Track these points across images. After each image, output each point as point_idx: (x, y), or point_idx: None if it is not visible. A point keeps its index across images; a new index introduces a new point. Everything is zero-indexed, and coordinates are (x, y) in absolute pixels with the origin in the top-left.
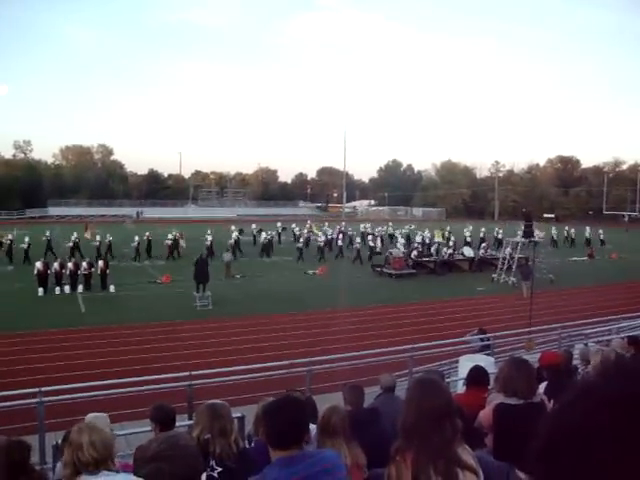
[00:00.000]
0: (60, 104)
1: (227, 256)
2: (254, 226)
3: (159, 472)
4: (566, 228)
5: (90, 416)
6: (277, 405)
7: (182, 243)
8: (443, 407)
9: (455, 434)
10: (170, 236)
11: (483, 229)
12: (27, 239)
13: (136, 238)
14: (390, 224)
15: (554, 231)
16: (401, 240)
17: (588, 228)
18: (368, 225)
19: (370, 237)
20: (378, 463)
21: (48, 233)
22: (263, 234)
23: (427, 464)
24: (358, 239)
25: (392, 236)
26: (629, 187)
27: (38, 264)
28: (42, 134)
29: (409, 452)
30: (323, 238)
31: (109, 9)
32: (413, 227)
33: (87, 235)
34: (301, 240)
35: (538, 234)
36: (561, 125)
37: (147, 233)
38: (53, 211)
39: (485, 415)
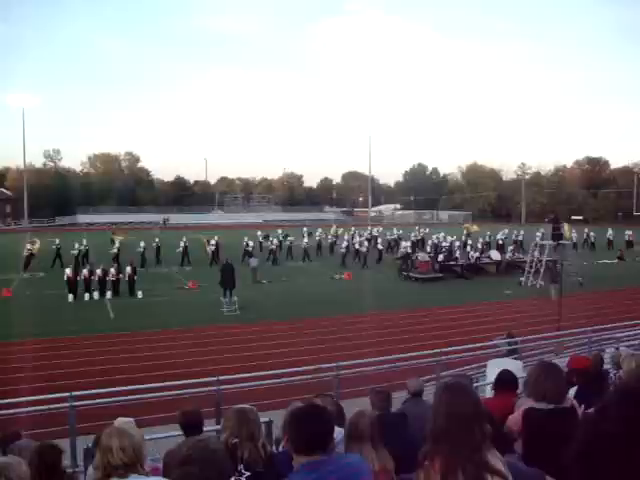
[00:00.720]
0: (88, 113)
1: (253, 261)
2: (280, 231)
3: (189, 476)
4: (585, 230)
5: (117, 421)
6: (302, 412)
7: (208, 249)
8: (472, 412)
9: (484, 439)
10: (212, 242)
11: (505, 231)
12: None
13: (181, 244)
14: (417, 228)
15: (575, 233)
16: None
17: (610, 230)
18: (399, 230)
19: (403, 242)
20: (406, 468)
21: (57, 241)
22: (289, 239)
23: (456, 469)
24: (380, 240)
25: (421, 241)
26: None
27: (68, 270)
28: (71, 143)
29: (437, 457)
30: (345, 244)
31: (136, 18)
32: (442, 234)
33: (118, 237)
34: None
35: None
36: (589, 126)
37: (184, 239)
38: (82, 218)
39: (514, 420)
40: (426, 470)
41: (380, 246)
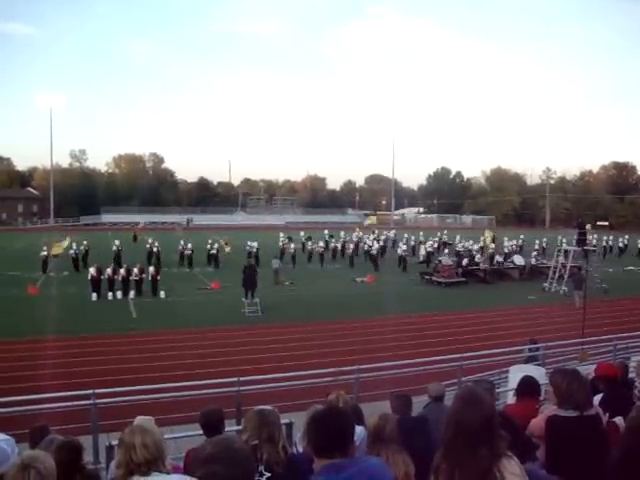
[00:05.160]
0: (114, 114)
1: (276, 263)
2: (302, 233)
3: (214, 474)
4: (604, 237)
5: (137, 420)
6: (322, 414)
7: (227, 249)
8: (481, 424)
9: (495, 452)
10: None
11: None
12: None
13: (215, 245)
14: (441, 232)
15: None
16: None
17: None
18: (421, 233)
19: (429, 244)
20: (426, 473)
21: (85, 242)
22: (310, 242)
23: None
24: (403, 246)
25: (447, 244)
26: None
27: (92, 270)
28: (97, 143)
29: (445, 468)
30: (376, 245)
31: (161, 20)
32: (470, 242)
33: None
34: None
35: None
36: (615, 130)
37: (209, 240)
38: (106, 218)
39: (537, 424)
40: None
41: (400, 251)
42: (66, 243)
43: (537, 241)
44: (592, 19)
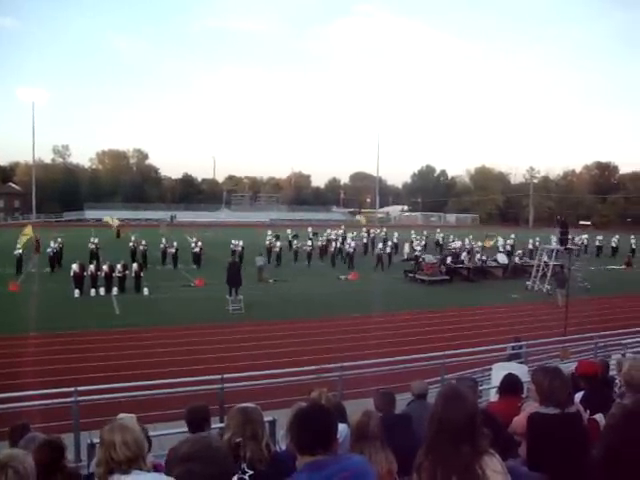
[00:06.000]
0: (97, 109)
1: (259, 260)
2: (289, 231)
3: (190, 473)
4: (583, 236)
5: (119, 417)
6: (305, 412)
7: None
8: (463, 422)
9: (477, 449)
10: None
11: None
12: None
13: (199, 243)
14: (422, 232)
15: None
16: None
17: (617, 236)
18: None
19: (415, 243)
20: (408, 470)
21: (60, 240)
22: (296, 240)
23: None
24: (380, 244)
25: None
26: None
27: (74, 266)
28: (80, 139)
29: (427, 465)
30: (352, 244)
31: (146, 16)
32: (458, 241)
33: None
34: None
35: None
36: (598, 131)
37: (193, 239)
38: (89, 214)
39: (519, 422)
40: (419, 477)
41: (378, 250)
42: (27, 230)
43: (530, 240)
44: (577, 21)
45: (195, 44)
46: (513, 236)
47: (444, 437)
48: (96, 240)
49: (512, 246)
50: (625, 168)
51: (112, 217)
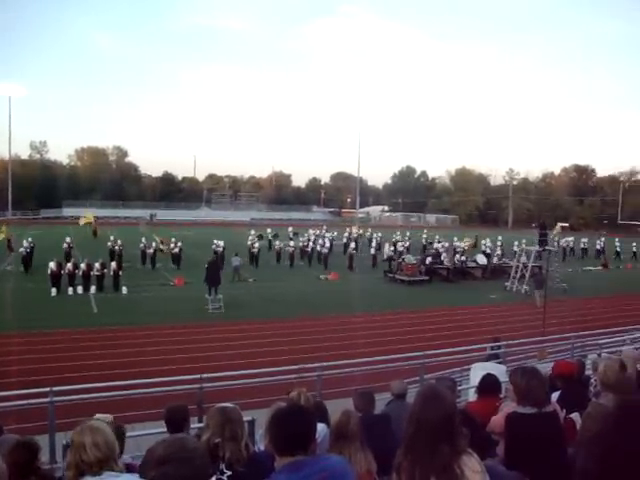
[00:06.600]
0: (76, 105)
1: (235, 260)
2: (269, 230)
3: (166, 475)
4: (569, 239)
5: (95, 417)
6: (283, 412)
7: (163, 247)
8: (442, 422)
9: (455, 449)
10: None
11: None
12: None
13: (179, 244)
14: (399, 232)
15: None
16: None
17: (586, 239)
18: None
19: (399, 244)
20: (387, 470)
21: (30, 239)
22: (277, 241)
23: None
24: (352, 244)
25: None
26: None
27: (52, 264)
28: (58, 135)
29: (406, 465)
30: (327, 244)
31: (126, 13)
32: (445, 242)
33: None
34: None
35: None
36: (577, 134)
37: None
38: (67, 212)
39: (497, 421)
40: (399, 477)
41: (350, 250)
42: (2, 228)
43: (516, 242)
44: (557, 26)
45: (177, 42)
46: (500, 237)
47: (423, 437)
48: (68, 239)
49: (491, 248)
50: (602, 171)
51: (87, 214)
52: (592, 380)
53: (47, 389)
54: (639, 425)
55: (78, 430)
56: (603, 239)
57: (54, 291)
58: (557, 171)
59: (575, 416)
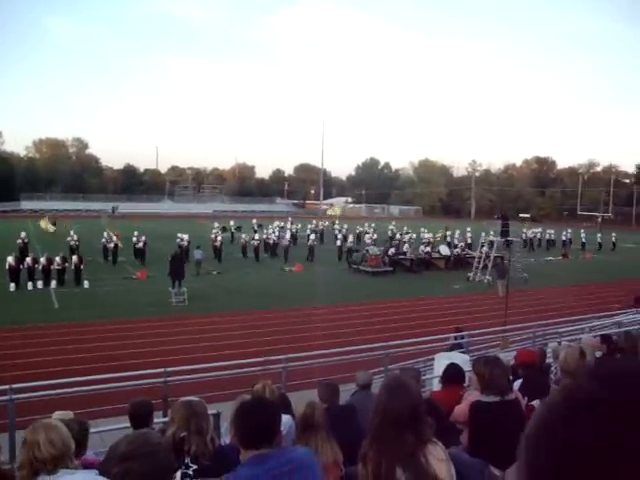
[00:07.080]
0: (34, 96)
1: (197, 253)
2: (232, 223)
3: (129, 472)
4: (536, 230)
5: (55, 414)
6: (247, 405)
7: (118, 242)
8: (407, 411)
9: (421, 438)
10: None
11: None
12: None
13: (143, 238)
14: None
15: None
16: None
17: (552, 230)
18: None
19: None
20: (353, 460)
21: None
22: (243, 235)
23: (387, 469)
24: (312, 235)
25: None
26: (603, 188)
27: (10, 259)
28: (14, 126)
29: (370, 460)
30: (287, 236)
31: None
32: (413, 234)
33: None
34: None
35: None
36: (538, 126)
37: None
38: (26, 205)
39: (461, 410)
40: (365, 467)
41: (310, 242)
42: None
43: (483, 233)
44: (521, 21)
45: (137, 30)
46: (469, 229)
47: (388, 427)
48: (23, 234)
49: (458, 239)
50: (562, 163)
51: (46, 220)
52: (553, 368)
53: (6, 387)
54: (589, 416)
55: (31, 429)
56: (570, 230)
57: (12, 286)
58: (519, 162)
59: (537, 403)
